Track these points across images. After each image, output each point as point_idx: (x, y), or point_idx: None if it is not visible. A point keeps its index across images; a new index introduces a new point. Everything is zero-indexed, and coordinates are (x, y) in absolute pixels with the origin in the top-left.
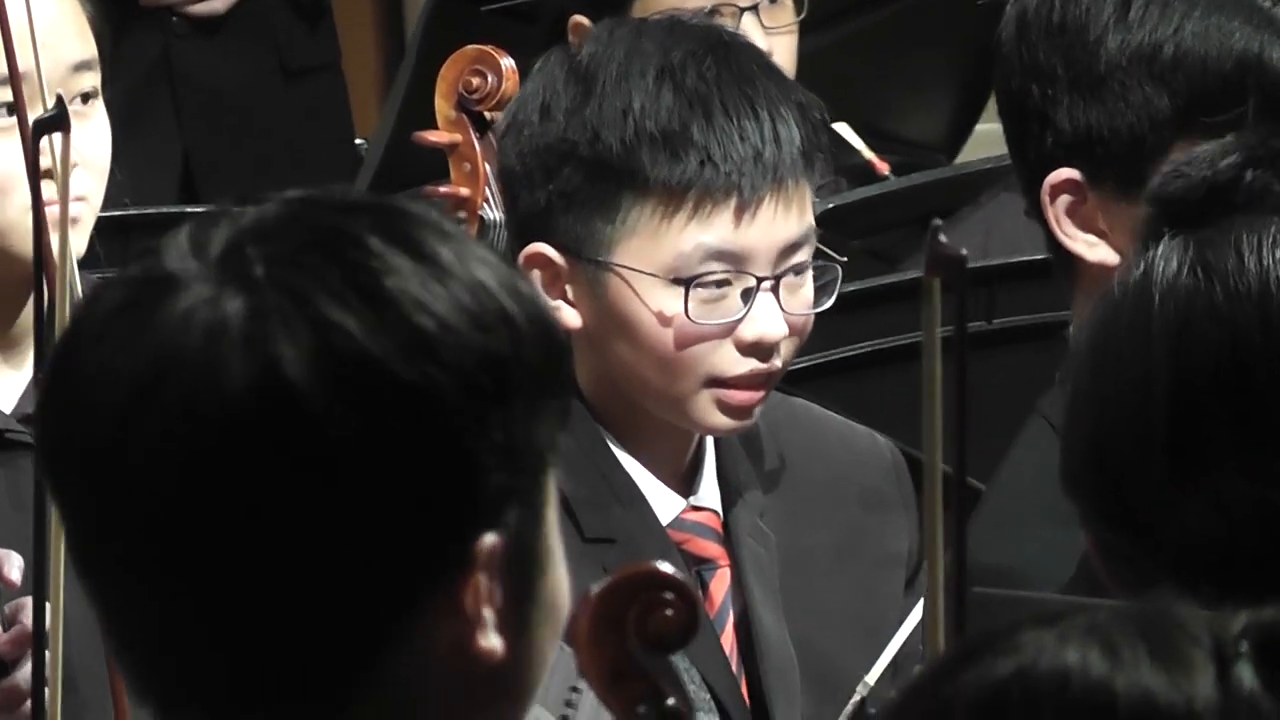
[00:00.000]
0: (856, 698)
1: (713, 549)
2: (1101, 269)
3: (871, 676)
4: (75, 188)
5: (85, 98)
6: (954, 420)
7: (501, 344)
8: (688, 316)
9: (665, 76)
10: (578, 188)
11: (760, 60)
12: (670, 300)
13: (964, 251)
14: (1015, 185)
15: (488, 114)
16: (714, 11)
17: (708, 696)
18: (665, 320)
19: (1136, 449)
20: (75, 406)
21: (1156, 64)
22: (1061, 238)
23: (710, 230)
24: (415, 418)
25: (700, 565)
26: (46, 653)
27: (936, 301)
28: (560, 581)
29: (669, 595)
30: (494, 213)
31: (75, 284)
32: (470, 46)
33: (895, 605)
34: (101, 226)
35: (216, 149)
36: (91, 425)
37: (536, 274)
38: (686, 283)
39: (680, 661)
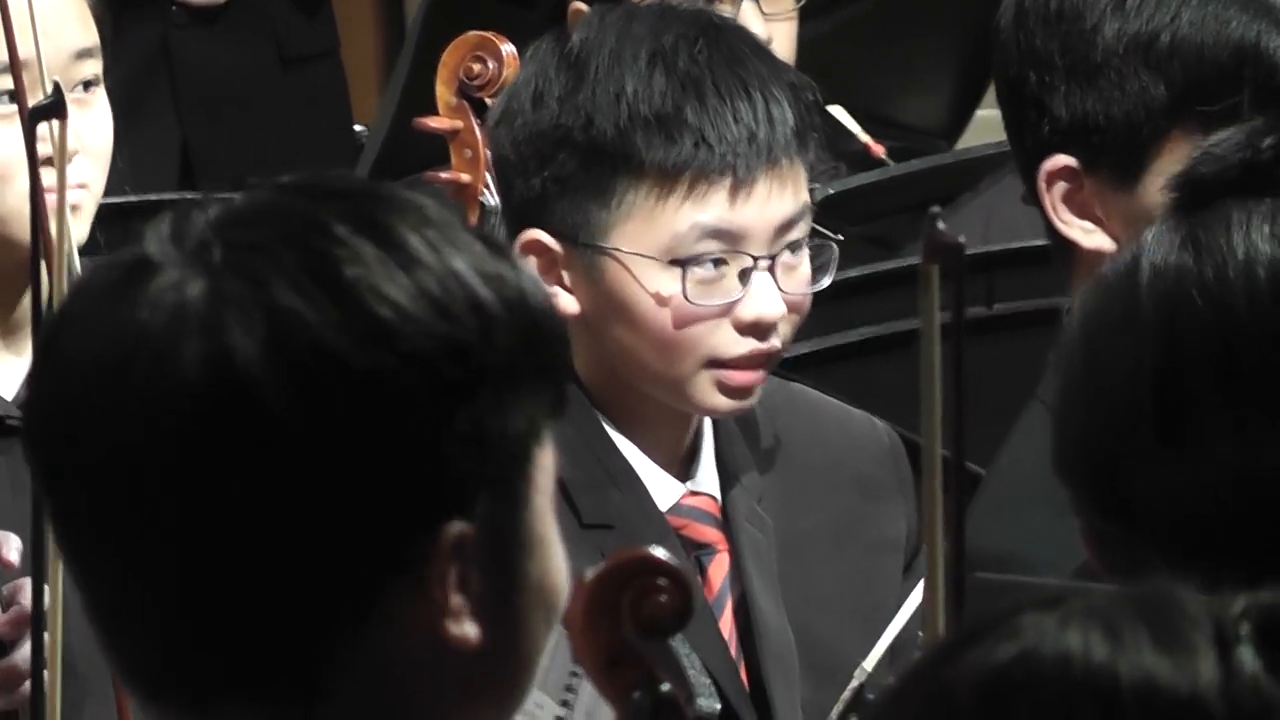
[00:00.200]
0: (854, 684)
1: (711, 534)
2: (1098, 256)
3: (869, 663)
4: (76, 175)
5: (87, 85)
6: (953, 406)
7: (468, 332)
8: (685, 297)
9: (657, 60)
10: (572, 173)
11: (751, 42)
12: (667, 282)
13: (961, 239)
14: (1015, 171)
15: (488, 100)
16: None
17: (708, 681)
18: (663, 302)
19: (1126, 432)
20: (52, 389)
21: (1153, 52)
22: (1058, 224)
23: (706, 210)
24: (370, 406)
25: (699, 550)
26: (45, 635)
27: (934, 289)
28: (554, 568)
29: (663, 581)
30: (494, 199)
31: (75, 270)
32: (471, 33)
33: (893, 590)
34: (103, 213)
35: (216, 138)
36: (64, 407)
37: (533, 261)
38: (683, 263)
39: (681, 646)
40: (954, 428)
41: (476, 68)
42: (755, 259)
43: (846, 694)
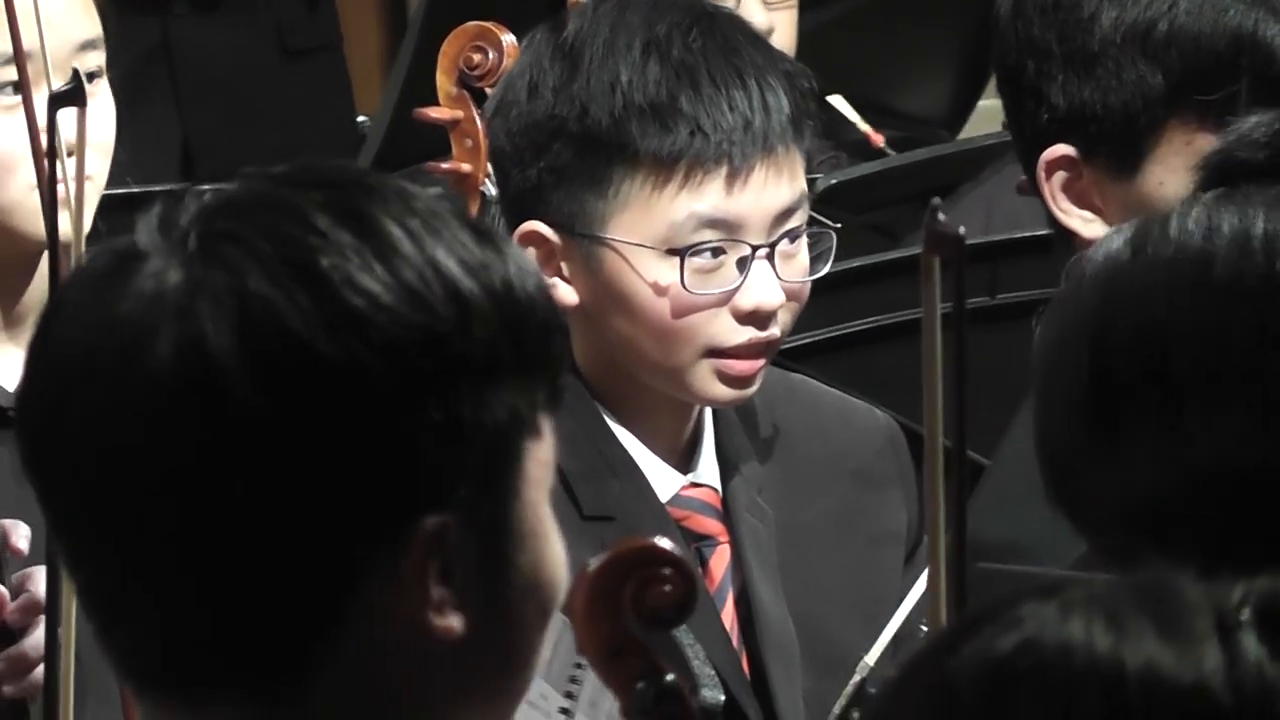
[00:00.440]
0: (856, 678)
1: (712, 525)
2: None
3: (871, 657)
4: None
5: (90, 77)
6: (955, 396)
7: (444, 323)
8: (684, 286)
9: (651, 49)
10: (568, 163)
11: (745, 30)
12: (665, 271)
13: (962, 230)
14: (1016, 161)
15: (489, 90)
16: None
17: (712, 672)
18: (661, 291)
19: (1068, 428)
20: (40, 379)
21: (1150, 41)
22: (1058, 214)
23: (702, 199)
24: (340, 395)
25: (700, 542)
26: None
27: (936, 279)
28: (548, 560)
29: (666, 571)
30: (495, 188)
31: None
32: (471, 23)
33: (894, 581)
34: (105, 205)
35: (216, 130)
36: (48, 397)
37: (531, 252)
38: (681, 253)
39: (685, 637)
40: (956, 418)
41: (477, 58)
42: (753, 247)
43: (849, 688)
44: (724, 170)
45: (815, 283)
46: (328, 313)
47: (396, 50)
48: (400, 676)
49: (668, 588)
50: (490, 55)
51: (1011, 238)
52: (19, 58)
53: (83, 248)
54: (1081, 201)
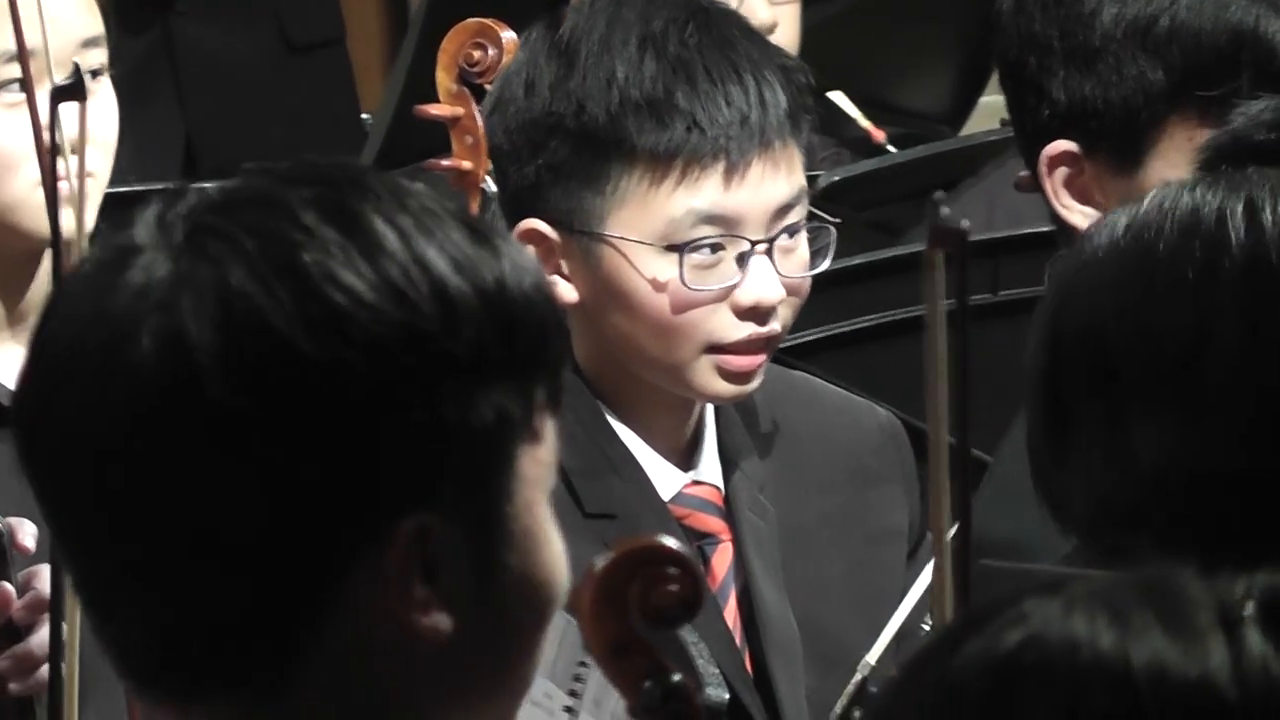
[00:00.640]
0: (858, 677)
1: (714, 524)
2: None
3: (873, 656)
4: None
5: (93, 74)
6: (958, 392)
7: (428, 321)
8: (683, 283)
9: (647, 45)
10: (565, 160)
11: (741, 25)
12: (665, 267)
13: (965, 225)
14: (1019, 157)
15: (489, 87)
16: None
17: (716, 671)
18: (660, 287)
19: (1033, 429)
20: (36, 374)
21: (1151, 37)
22: (1060, 209)
23: (700, 195)
24: (320, 392)
25: (702, 540)
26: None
27: (939, 275)
28: (543, 560)
29: (672, 570)
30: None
31: None
32: (471, 19)
33: (895, 578)
34: (107, 202)
35: (219, 127)
36: (41, 392)
37: (531, 250)
38: (680, 249)
39: (689, 636)
40: (959, 414)
41: (476, 54)
42: (752, 243)
43: (850, 687)
44: (721, 166)
45: (817, 280)
46: (308, 309)
47: (398, 46)
48: (389, 675)
49: (674, 587)
50: (490, 52)
51: (1014, 234)
52: (22, 55)
53: (85, 244)
54: (1083, 197)
